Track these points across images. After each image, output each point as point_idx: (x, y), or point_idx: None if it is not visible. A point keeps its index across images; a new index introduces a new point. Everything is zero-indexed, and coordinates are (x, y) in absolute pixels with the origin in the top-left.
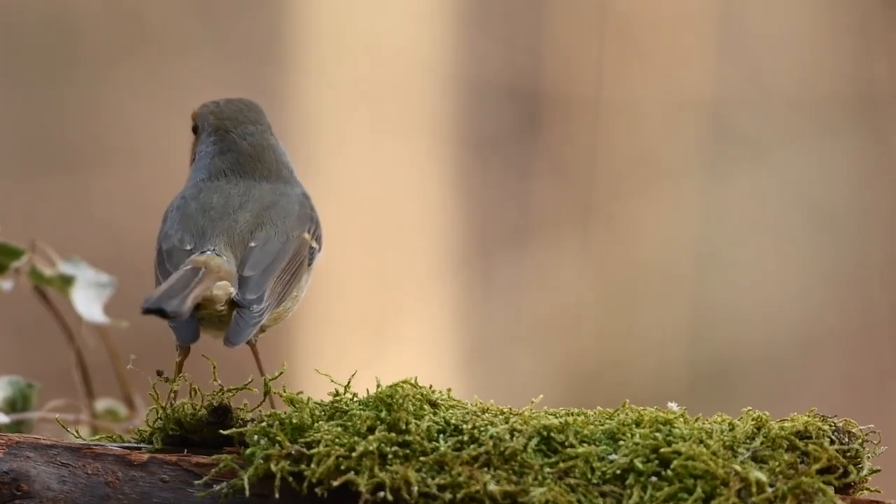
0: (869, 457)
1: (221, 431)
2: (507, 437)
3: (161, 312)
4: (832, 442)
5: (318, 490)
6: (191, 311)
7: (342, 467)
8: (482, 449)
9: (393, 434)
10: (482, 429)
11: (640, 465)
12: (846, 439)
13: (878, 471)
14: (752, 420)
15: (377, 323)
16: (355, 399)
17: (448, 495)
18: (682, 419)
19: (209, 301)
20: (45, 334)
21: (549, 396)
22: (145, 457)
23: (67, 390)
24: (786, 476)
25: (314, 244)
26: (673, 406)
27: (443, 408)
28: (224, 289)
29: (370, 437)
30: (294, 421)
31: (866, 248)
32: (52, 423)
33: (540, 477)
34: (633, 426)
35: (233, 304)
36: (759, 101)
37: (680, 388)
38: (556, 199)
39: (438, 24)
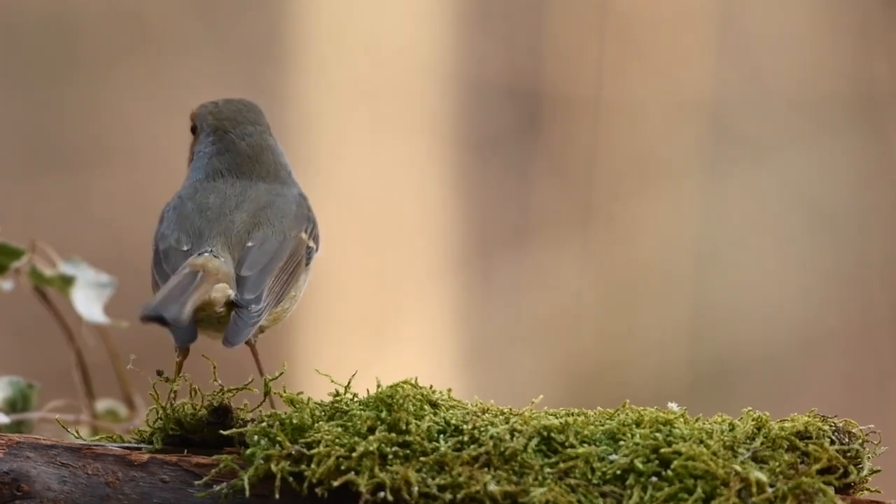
0: (869, 457)
1: (221, 432)
2: (508, 437)
3: (160, 320)
4: (832, 442)
5: (318, 490)
6: (190, 317)
7: (342, 467)
8: (482, 449)
9: (393, 434)
10: (482, 429)
11: (640, 466)
12: (846, 439)
13: (879, 471)
14: (753, 420)
15: (377, 323)
16: (355, 399)
17: (448, 495)
18: (682, 419)
19: (208, 304)
20: (45, 334)
21: (549, 396)
22: (145, 457)
23: (67, 390)
24: (786, 476)
25: (311, 244)
26: (673, 406)
27: (443, 408)
28: (222, 291)
29: (370, 438)
30: (294, 421)
31: (866, 248)
32: (52, 424)
33: (540, 477)
34: (634, 426)
35: (231, 304)
36: (759, 101)
37: (680, 388)
38: (556, 199)
39: (438, 24)
